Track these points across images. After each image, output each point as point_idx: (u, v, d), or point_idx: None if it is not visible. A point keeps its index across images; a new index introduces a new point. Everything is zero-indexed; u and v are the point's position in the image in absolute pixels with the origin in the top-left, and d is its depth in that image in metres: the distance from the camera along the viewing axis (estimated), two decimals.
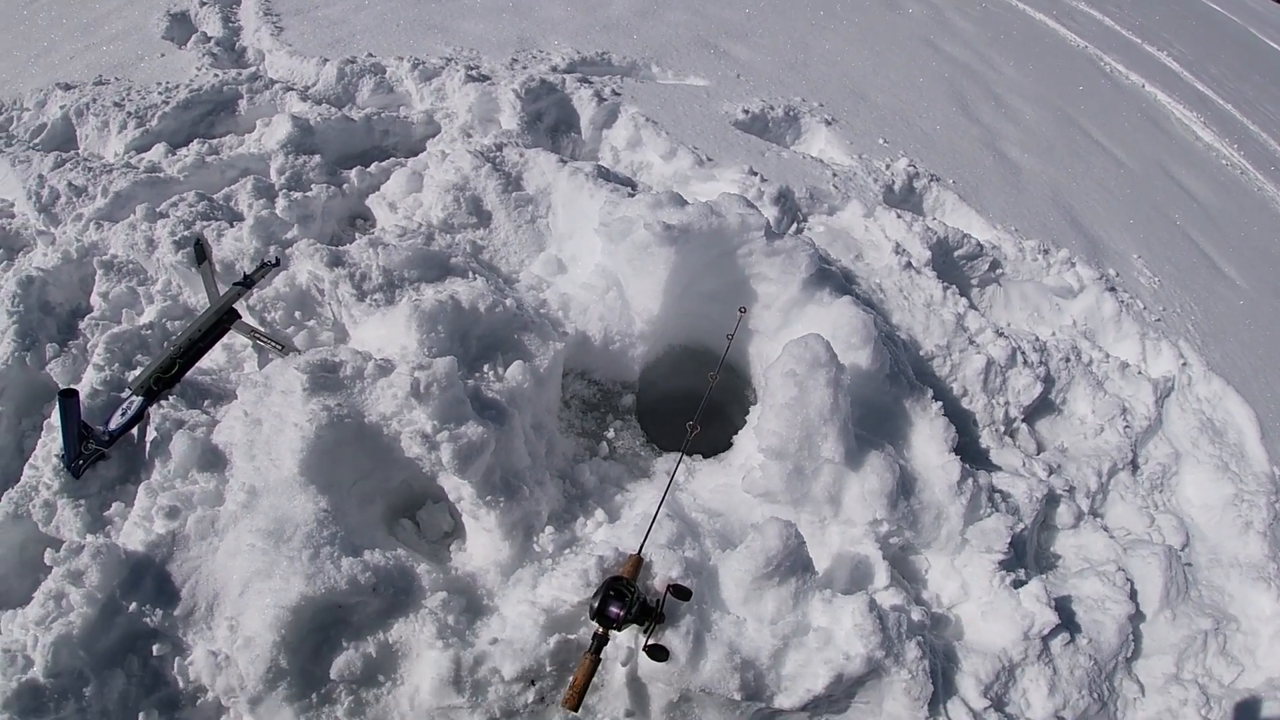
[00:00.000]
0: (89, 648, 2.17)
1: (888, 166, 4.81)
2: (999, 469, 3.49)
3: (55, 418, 2.66)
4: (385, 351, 2.82)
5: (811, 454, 2.85)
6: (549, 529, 2.69)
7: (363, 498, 2.63)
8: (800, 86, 5.52)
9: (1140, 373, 4.18)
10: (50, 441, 2.68)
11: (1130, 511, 3.62)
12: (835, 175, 4.53)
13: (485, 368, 2.91)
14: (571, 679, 2.15)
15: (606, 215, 3.36)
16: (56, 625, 2.14)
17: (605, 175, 3.80)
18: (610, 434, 3.26)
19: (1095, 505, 3.62)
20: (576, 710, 2.12)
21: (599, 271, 3.34)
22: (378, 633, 2.32)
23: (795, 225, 4.12)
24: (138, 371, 2.89)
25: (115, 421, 2.65)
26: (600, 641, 2.21)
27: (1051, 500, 3.42)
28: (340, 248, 3.21)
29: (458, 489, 2.61)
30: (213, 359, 3.03)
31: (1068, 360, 4.02)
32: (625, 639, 2.34)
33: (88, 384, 2.84)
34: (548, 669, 2.28)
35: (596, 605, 2.22)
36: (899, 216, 4.33)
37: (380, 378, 2.63)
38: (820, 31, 6.96)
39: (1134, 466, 3.82)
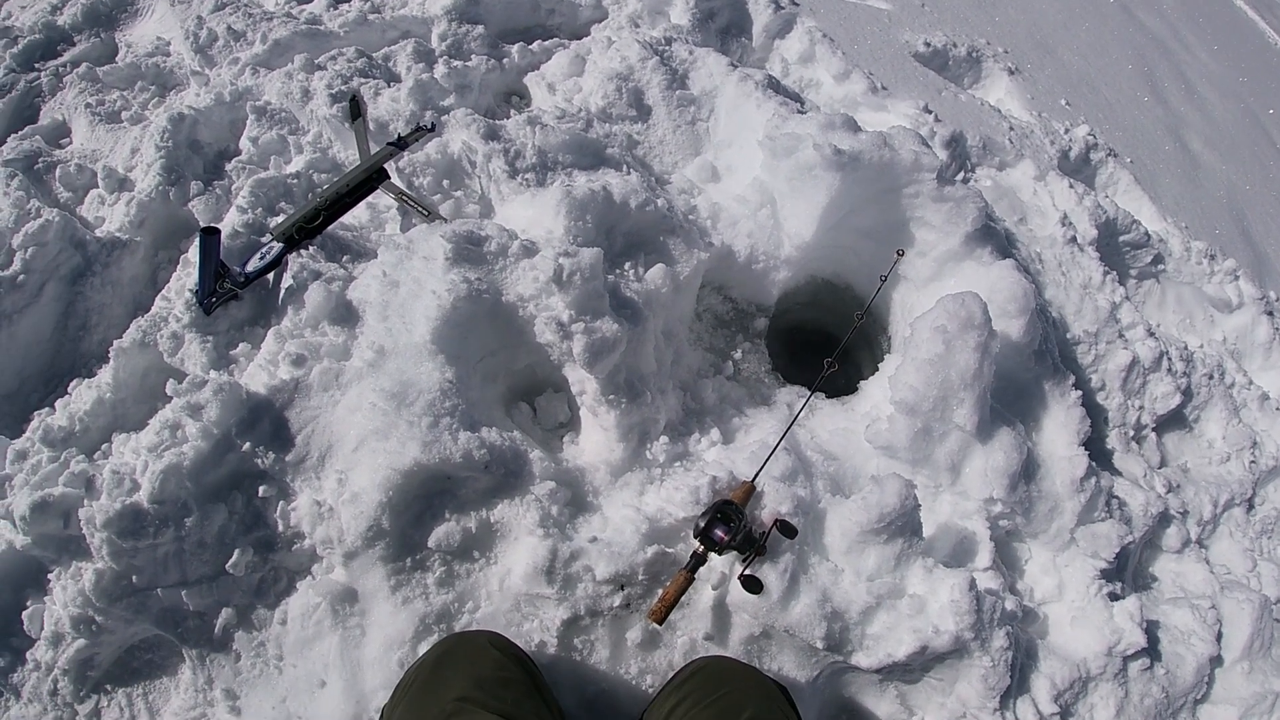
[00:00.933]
0: (197, 480, 2.14)
1: (1066, 131, 4.28)
2: (1119, 474, 3.20)
3: (193, 253, 2.64)
4: (530, 233, 2.69)
5: (944, 416, 2.63)
6: (664, 438, 2.55)
7: (486, 375, 2.55)
8: (986, 28, 4.94)
9: (1279, 408, 3.77)
10: (185, 276, 2.66)
11: (1235, 550, 3.28)
12: (1012, 129, 4.05)
13: (627, 265, 2.74)
14: (662, 592, 2.06)
15: (773, 129, 3.07)
16: (169, 454, 2.11)
17: (775, 87, 3.48)
18: (737, 355, 3.07)
19: (1203, 535, 3.31)
20: (661, 624, 2.04)
21: (755, 186, 3.09)
22: (481, 509, 2.25)
23: (964, 174, 3.72)
24: (280, 219, 2.84)
25: (253, 264, 2.61)
26: (698, 561, 2.11)
27: (1164, 520, 3.12)
28: (497, 122, 3.05)
29: (582, 382, 2.50)
30: (356, 215, 2.95)
31: (1210, 377, 3.64)
32: (721, 564, 2.24)
33: (229, 225, 2.78)
34: (640, 577, 2.19)
35: (703, 525, 2.11)
36: (1071, 186, 3.88)
37: (524, 258, 2.50)
38: None
39: (1250, 505, 3.47)
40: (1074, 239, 3.64)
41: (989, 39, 4.78)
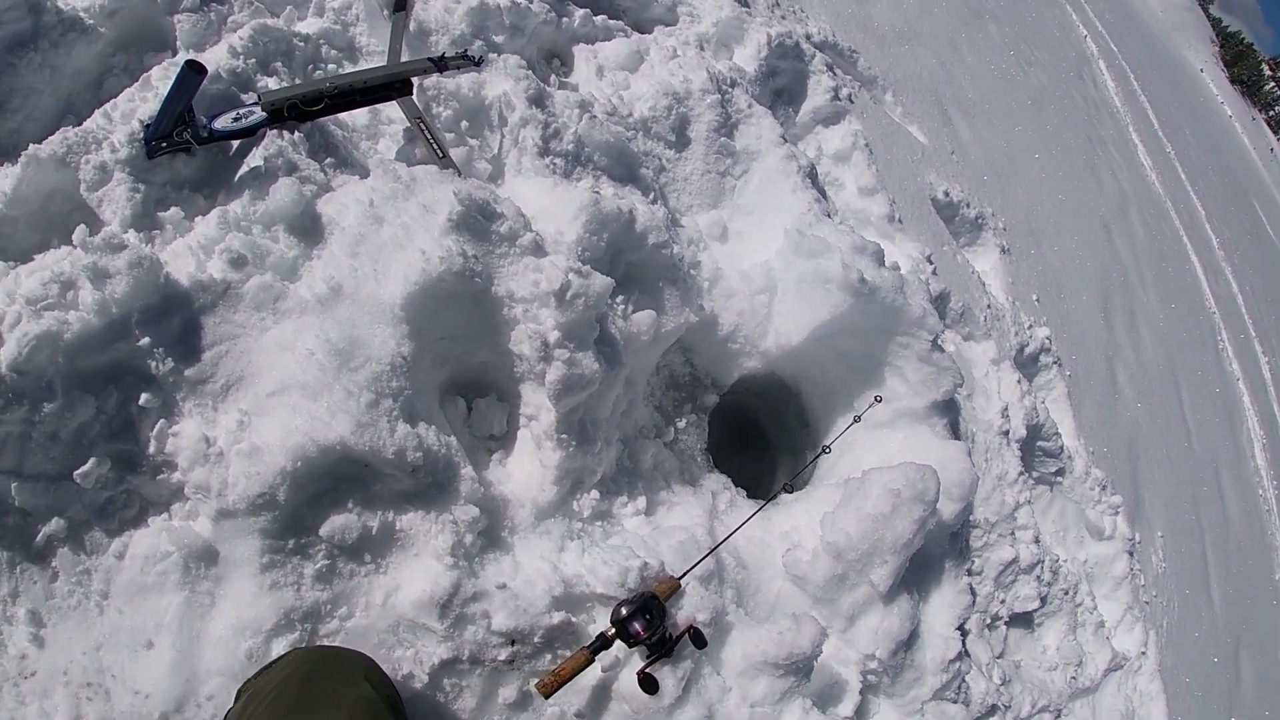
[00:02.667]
0: (73, 359, 1.71)
1: (1030, 327, 4.58)
2: (968, 655, 3.32)
3: (160, 77, 2.15)
4: (540, 225, 2.46)
5: (863, 570, 2.65)
6: (594, 493, 2.37)
7: (438, 358, 2.22)
8: (996, 199, 5.21)
9: (1108, 638, 4.14)
10: (140, 101, 2.12)
11: None
12: (989, 306, 4.26)
13: (619, 299, 2.58)
14: (559, 667, 1.90)
15: (805, 225, 3.01)
16: (50, 316, 1.67)
17: (813, 177, 3.46)
18: (681, 423, 2.91)
19: None
20: (547, 698, 1.89)
21: (763, 269, 3.00)
22: (389, 511, 1.95)
23: None
24: (273, 83, 2.38)
25: (223, 123, 2.15)
26: (603, 644, 1.95)
27: (992, 710, 3.29)
28: (546, 87, 2.82)
29: (537, 408, 2.28)
30: (354, 117, 2.55)
31: (1066, 593, 3.93)
32: (620, 651, 2.13)
33: (213, 65, 2.26)
34: (536, 639, 2.01)
35: (624, 614, 1.96)
36: (1019, 381, 4.14)
37: (530, 255, 2.27)
38: (1029, 156, 6.61)
39: (1058, 715, 3.77)
40: (1006, 432, 3.84)
41: (995, 210, 5.05)
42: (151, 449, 1.81)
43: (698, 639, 2.09)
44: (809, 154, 3.97)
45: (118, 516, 1.81)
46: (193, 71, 1.97)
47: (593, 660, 1.95)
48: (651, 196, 2.84)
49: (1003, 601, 3.69)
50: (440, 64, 2.56)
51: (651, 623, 1.99)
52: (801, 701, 2.35)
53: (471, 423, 2.40)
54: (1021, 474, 3.86)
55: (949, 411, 3.12)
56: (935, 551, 3.07)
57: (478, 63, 2.70)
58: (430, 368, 2.22)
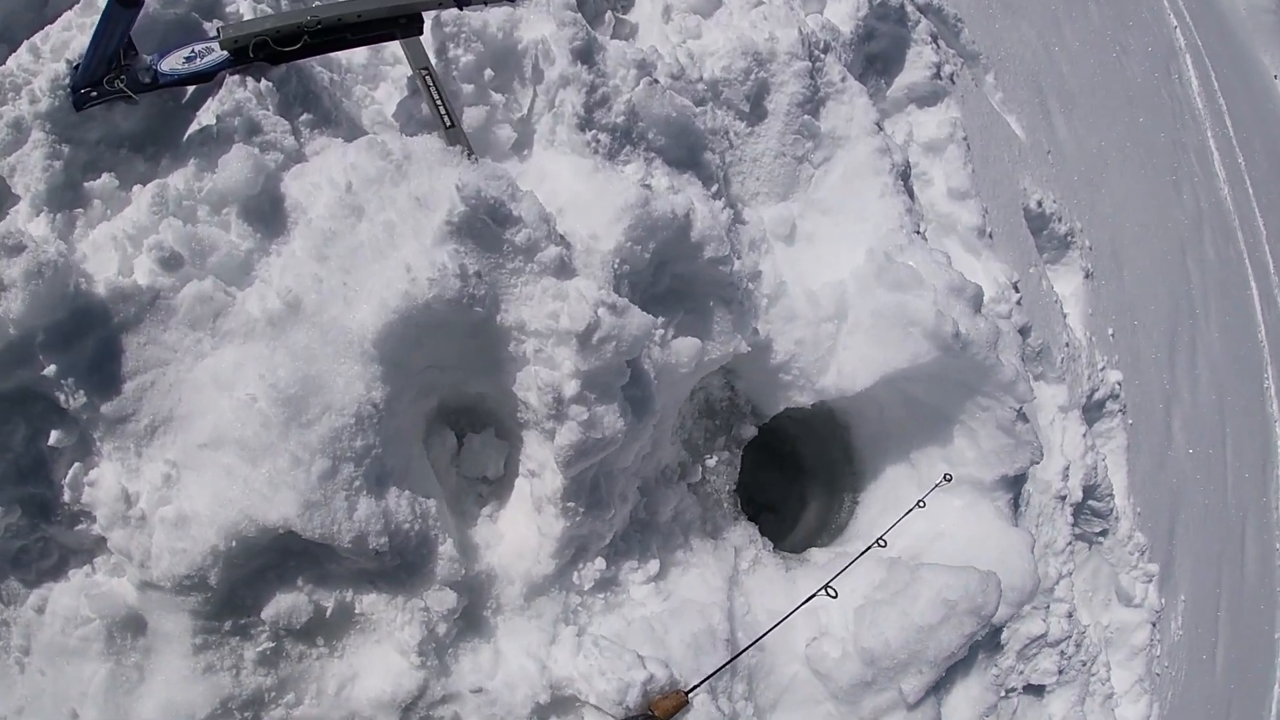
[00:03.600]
0: None
1: (1102, 369, 4.14)
2: None
3: (89, 12, 1.64)
4: (568, 218, 1.93)
5: (894, 679, 2.34)
6: (599, 560, 1.97)
7: (424, 388, 1.78)
8: (1086, 213, 4.63)
9: (1114, 709, 4.03)
10: (75, 36, 1.61)
11: None
12: (1068, 344, 3.80)
13: (659, 317, 2.07)
14: None
15: (894, 247, 2.48)
16: None
17: (905, 178, 2.90)
18: (710, 462, 2.50)
19: None
20: None
21: (833, 292, 2.47)
22: (347, 590, 1.59)
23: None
24: (241, 11, 1.83)
25: (172, 64, 1.63)
26: None
27: None
28: (600, 38, 2.22)
29: (542, 465, 1.82)
30: (348, 57, 2.02)
31: (1084, 664, 3.75)
32: None
33: None
34: None
35: None
36: (1084, 435, 3.74)
37: (550, 275, 1.75)
38: (1120, 160, 6.00)
39: None
40: (1064, 497, 3.48)
41: (1084, 224, 4.51)
42: (66, 496, 1.50)
43: None
44: (898, 138, 3.37)
45: (34, 566, 1.57)
46: (124, 5, 1.40)
47: None
48: (715, 189, 2.29)
49: (1021, 673, 3.48)
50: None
51: None
52: None
53: (461, 461, 1.97)
54: (1069, 545, 3.53)
55: (1015, 486, 2.69)
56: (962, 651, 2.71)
57: None
58: (413, 401, 1.75)
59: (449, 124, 1.86)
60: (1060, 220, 3.98)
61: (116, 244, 1.45)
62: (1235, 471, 6.31)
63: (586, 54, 2.08)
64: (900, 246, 2.49)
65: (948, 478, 2.43)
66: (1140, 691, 4.18)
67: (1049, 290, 3.79)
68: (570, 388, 1.66)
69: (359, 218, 1.56)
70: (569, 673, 1.74)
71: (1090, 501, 3.92)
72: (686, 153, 2.28)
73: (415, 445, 1.76)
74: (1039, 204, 3.84)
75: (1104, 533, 4.06)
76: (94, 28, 1.43)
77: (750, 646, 1.99)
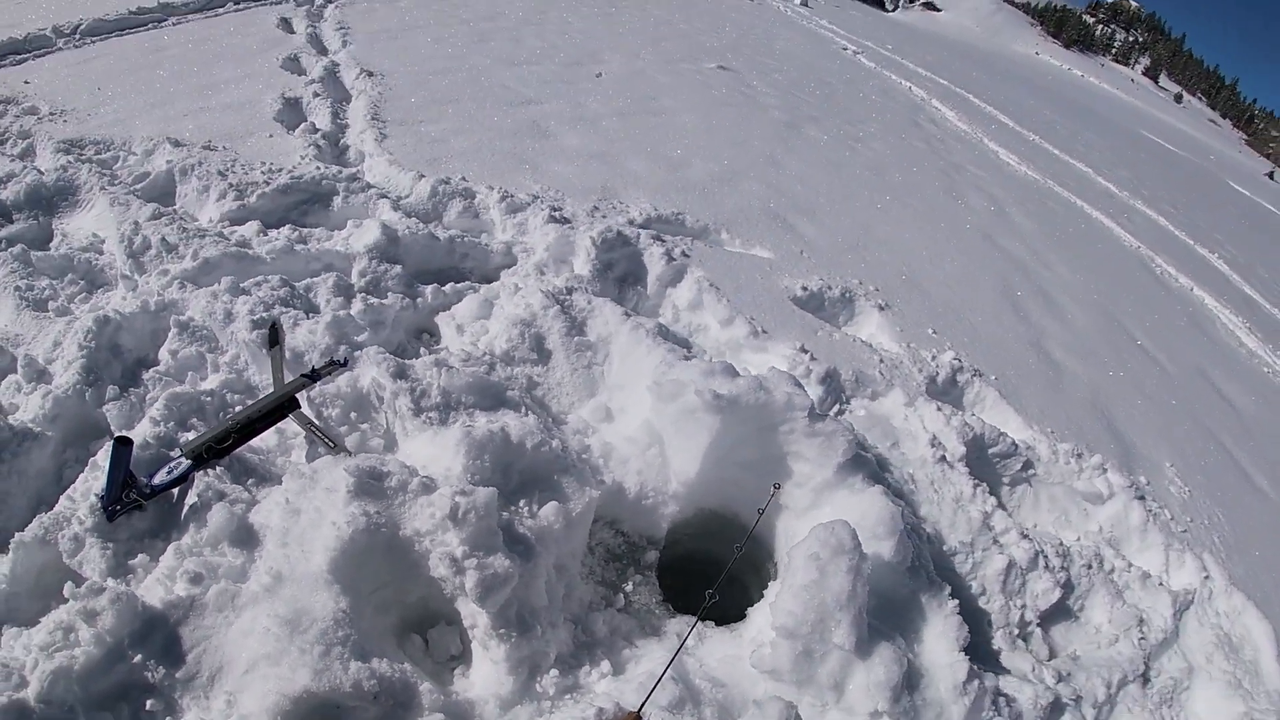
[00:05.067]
0: (85, 685, 2.28)
1: (933, 358, 5.06)
2: (1008, 672, 3.57)
3: (102, 458, 2.90)
4: (430, 469, 3.04)
5: (823, 638, 2.95)
6: (554, 671, 2.79)
7: (379, 606, 2.78)
8: (859, 269, 5.91)
9: (1161, 584, 4.25)
10: (92, 479, 2.89)
11: None
12: (882, 361, 4.80)
13: (521, 503, 3.10)
14: None
15: (660, 375, 3.62)
16: (60, 656, 2.27)
17: (664, 334, 4.10)
18: (629, 587, 3.39)
19: (1101, 716, 3.64)
20: None
21: (644, 427, 3.56)
22: None
23: (838, 406, 4.36)
24: (191, 435, 3.14)
25: (160, 478, 2.87)
26: None
27: (1057, 708, 3.45)
28: (406, 361, 3.50)
29: (473, 616, 2.74)
30: (265, 440, 3.28)
31: (1089, 567, 4.11)
32: None
33: (140, 435, 3.06)
34: None
35: None
36: (939, 409, 4.53)
37: (422, 495, 2.83)
38: (883, 216, 7.47)
39: (1145, 679, 3.85)
40: (943, 458, 4.23)
41: (861, 279, 5.73)
42: None
43: None
44: (666, 316, 4.64)
45: None
46: (121, 445, 2.74)
47: None
48: (523, 410, 3.42)
49: (1023, 606, 3.87)
50: (314, 376, 3.31)
51: None
52: None
53: (431, 652, 2.85)
54: (978, 486, 4.15)
55: (860, 466, 3.53)
56: (903, 592, 3.37)
57: (345, 364, 3.43)
58: (374, 615, 2.75)
59: (334, 447, 3.07)
60: (830, 288, 5.14)
61: (159, 581, 2.57)
62: (1163, 349, 7.24)
63: (401, 373, 3.41)
64: (665, 373, 3.62)
65: (776, 486, 3.28)
66: (1176, 557, 4.45)
67: (845, 337, 4.83)
68: (460, 551, 2.67)
69: (299, 514, 2.74)
70: None
71: (990, 450, 4.52)
72: (493, 399, 3.52)
73: (388, 642, 2.68)
74: (804, 288, 5.04)
75: (1026, 466, 4.66)
76: (107, 466, 2.67)
77: (676, 654, 2.69)
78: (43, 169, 4.88)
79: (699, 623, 3.24)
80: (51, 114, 5.68)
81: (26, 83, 6.21)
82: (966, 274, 6.89)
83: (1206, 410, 6.49)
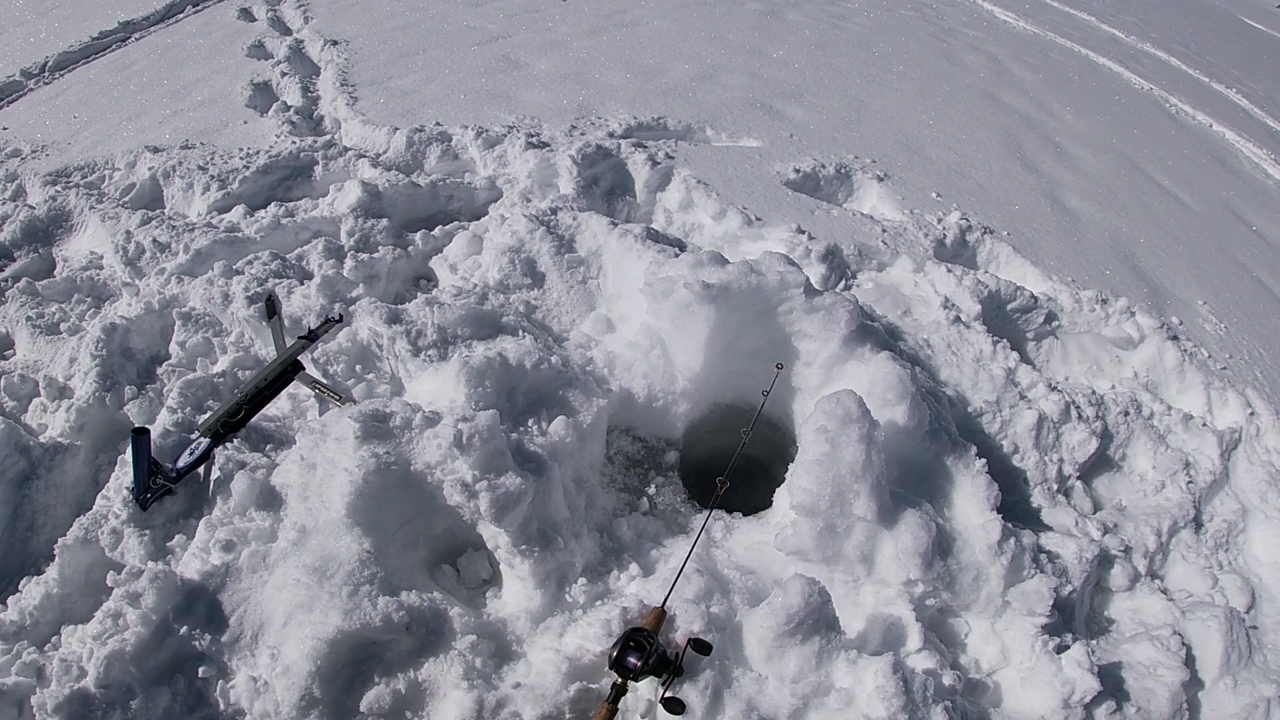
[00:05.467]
0: (140, 664, 2.42)
1: (939, 221, 4.92)
2: (1049, 529, 3.50)
3: (128, 453, 3.01)
4: (436, 404, 3.09)
5: (844, 511, 2.91)
6: (582, 580, 2.85)
7: (406, 542, 2.87)
8: (854, 144, 5.73)
9: (1205, 425, 4.12)
10: (122, 475, 3.02)
11: (1192, 572, 3.54)
12: (885, 231, 4.68)
13: (530, 422, 3.13)
14: None
15: (650, 275, 3.58)
16: (112, 641, 2.41)
17: (654, 237, 4.05)
18: (651, 490, 3.43)
19: (1154, 566, 3.57)
20: None
21: (644, 330, 3.55)
22: (408, 670, 2.52)
23: (844, 282, 4.28)
24: (207, 415, 3.24)
25: (183, 460, 2.98)
26: (618, 691, 2.32)
27: (1105, 561, 3.39)
28: (398, 306, 3.53)
29: (495, 537, 2.81)
30: (278, 407, 3.37)
31: (1127, 414, 4.00)
32: (645, 690, 2.46)
33: (160, 425, 3.20)
34: (567, 715, 2.42)
35: (615, 655, 2.33)
36: (949, 271, 4.42)
37: (427, 428, 2.88)
38: (876, 88, 7.19)
39: (1197, 524, 3.75)
40: (958, 319, 4.14)
41: (857, 153, 5.55)
42: (222, 705, 2.48)
43: (700, 646, 2.42)
44: (659, 221, 4.57)
45: None
46: (138, 435, 2.84)
47: (615, 709, 2.34)
48: (520, 333, 3.42)
49: (1060, 460, 3.78)
50: (311, 336, 3.36)
51: (644, 652, 2.34)
52: (845, 655, 2.59)
53: (463, 579, 2.92)
54: (998, 343, 4.05)
55: (867, 336, 3.48)
56: (926, 456, 3.32)
57: (340, 320, 3.47)
58: (402, 551, 2.83)
59: (341, 401, 3.14)
60: (825, 166, 5.00)
61: (195, 555, 2.70)
62: (1185, 187, 6.81)
63: (395, 317, 3.46)
64: (655, 272, 3.56)
65: (779, 366, 3.25)
66: (1218, 396, 4.31)
67: (843, 213, 4.71)
68: (469, 476, 2.71)
69: (314, 468, 2.81)
70: (575, 644, 2.57)
71: (1009, 307, 4.40)
72: (489, 328, 3.55)
73: (419, 575, 2.77)
74: (796, 170, 4.90)
75: (1050, 317, 4.51)
76: (131, 460, 2.80)
77: (693, 547, 2.72)
78: (33, 204, 5.00)
79: (717, 511, 3.23)
80: (34, 152, 5.77)
81: (4, 129, 6.29)
82: (969, 134, 6.63)
83: (1237, 244, 6.21)
